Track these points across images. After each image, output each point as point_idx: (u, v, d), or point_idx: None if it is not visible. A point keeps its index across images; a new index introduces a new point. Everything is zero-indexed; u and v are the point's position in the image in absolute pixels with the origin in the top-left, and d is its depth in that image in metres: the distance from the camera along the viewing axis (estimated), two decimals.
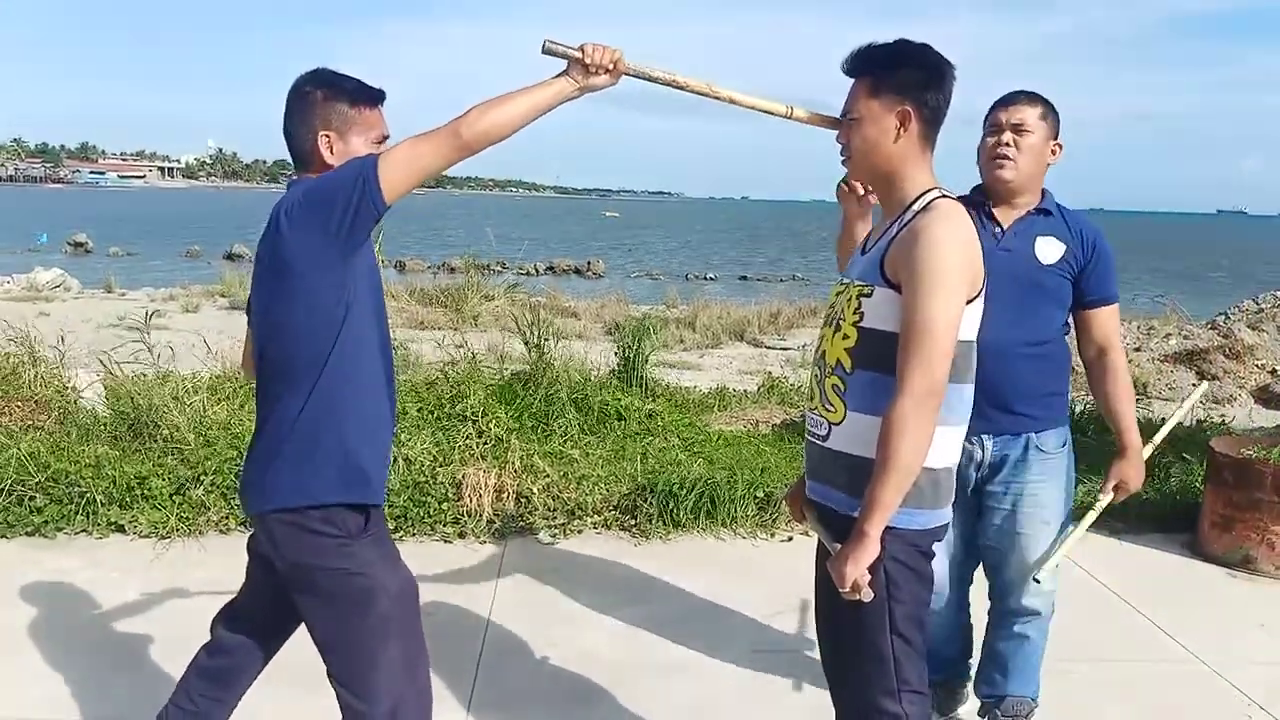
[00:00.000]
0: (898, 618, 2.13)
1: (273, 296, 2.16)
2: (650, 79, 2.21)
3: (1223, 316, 14.27)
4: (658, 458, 5.45)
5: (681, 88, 2.21)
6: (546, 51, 2.13)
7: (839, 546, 2.10)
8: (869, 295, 2.10)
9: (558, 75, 2.14)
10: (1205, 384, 3.19)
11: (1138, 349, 11.30)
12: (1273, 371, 12.79)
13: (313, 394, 2.15)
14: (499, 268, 24.36)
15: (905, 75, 2.11)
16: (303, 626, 2.32)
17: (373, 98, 2.29)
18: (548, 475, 4.98)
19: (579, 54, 2.12)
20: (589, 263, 32.94)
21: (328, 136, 2.22)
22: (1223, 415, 9.07)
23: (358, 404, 2.21)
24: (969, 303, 2.07)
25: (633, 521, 4.86)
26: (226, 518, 4.65)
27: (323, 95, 2.23)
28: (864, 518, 2.02)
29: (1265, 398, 11.84)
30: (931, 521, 2.16)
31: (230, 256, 29.21)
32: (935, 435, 2.02)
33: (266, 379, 2.21)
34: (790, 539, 4.85)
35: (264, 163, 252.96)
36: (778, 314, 15.33)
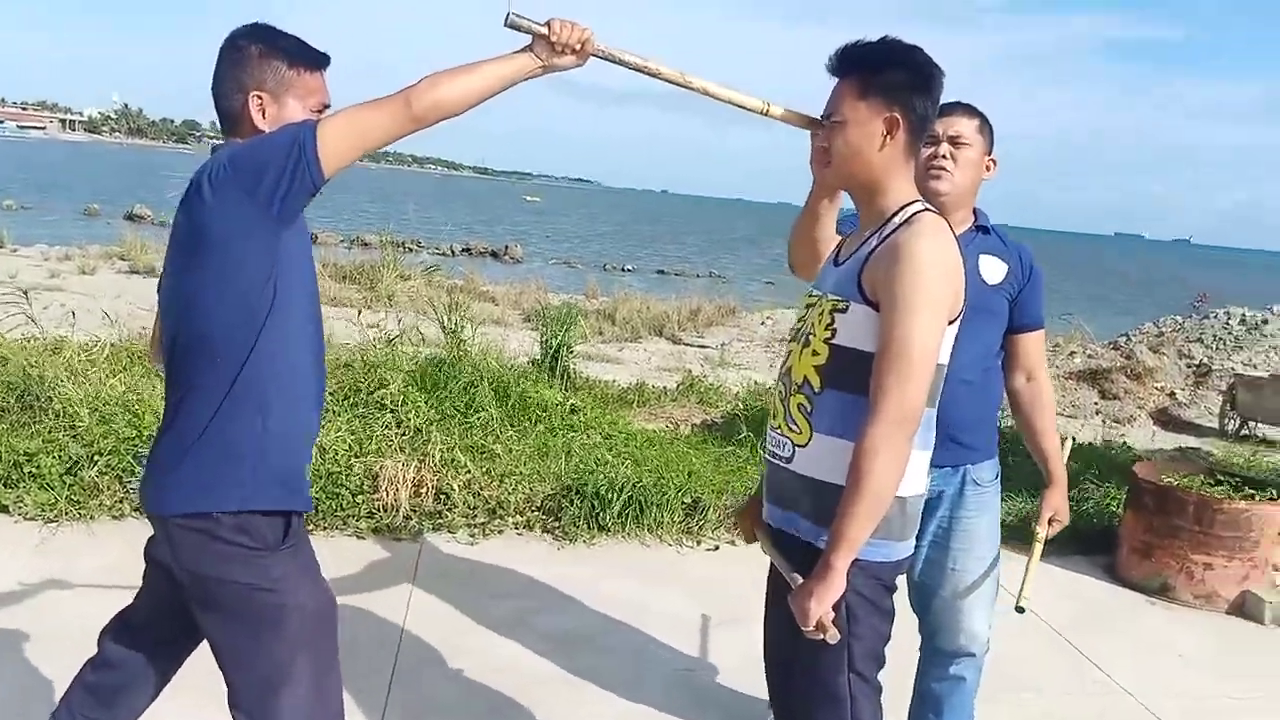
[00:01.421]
0: (856, 655, 2.01)
1: (190, 272, 1.93)
2: (620, 63, 2.05)
3: (1124, 338, 14.71)
4: (582, 456, 5.28)
5: (653, 74, 2.06)
6: (510, 25, 1.95)
7: (799, 578, 1.97)
8: (844, 310, 1.98)
9: (520, 50, 1.97)
10: (1070, 441, 3.12)
11: None
12: (1171, 394, 13.23)
13: (234, 385, 1.93)
14: (414, 246, 23.86)
15: (894, 78, 1.98)
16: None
17: (315, 60, 2.07)
18: (469, 470, 4.77)
19: (545, 30, 1.95)
20: (507, 247, 32.48)
21: (260, 98, 2.00)
22: (1123, 435, 9.30)
23: (284, 397, 1.99)
24: (949, 324, 1.96)
25: (557, 523, 4.68)
26: (121, 501, 4.33)
27: (258, 52, 2.01)
28: (831, 550, 1.89)
29: (1164, 420, 12.22)
30: (897, 554, 2.06)
31: (131, 217, 28.01)
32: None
33: (179, 365, 1.98)
34: (716, 547, 4.74)
35: (171, 122, 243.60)
36: (697, 311, 15.29)
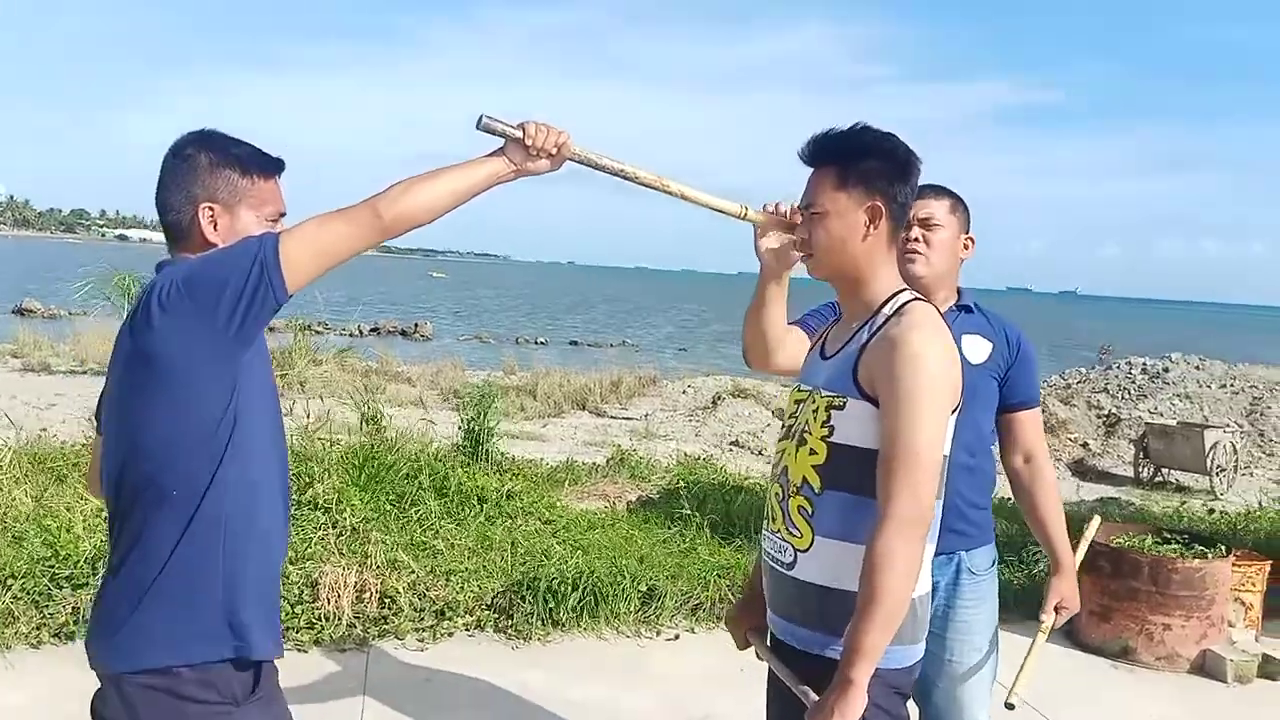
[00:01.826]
0: None
1: (139, 404, 1.75)
2: (597, 167, 1.97)
3: None
4: (528, 546, 5.10)
5: (630, 179, 2.00)
6: (483, 128, 1.86)
7: (810, 693, 1.86)
8: (840, 407, 1.90)
9: (492, 154, 1.88)
10: (1097, 519, 3.09)
11: None
12: (1085, 445, 13.58)
13: (191, 524, 1.74)
14: (322, 328, 23.35)
15: (874, 167, 1.93)
16: None
17: (269, 166, 1.93)
18: (413, 571, 4.55)
19: (519, 133, 1.86)
20: (416, 324, 32.10)
21: (211, 209, 1.85)
22: None
23: (250, 531, 1.81)
24: (950, 414, 1.90)
25: (509, 621, 4.47)
26: (39, 628, 3.97)
27: (208, 160, 1.86)
28: (849, 664, 1.77)
29: (1081, 470, 12.52)
30: (910, 658, 1.96)
31: (21, 312, 26.86)
32: None
33: (128, 504, 1.78)
34: (676, 636, 4.57)
35: (59, 211, 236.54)
36: (619, 382, 15.22)
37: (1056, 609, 2.68)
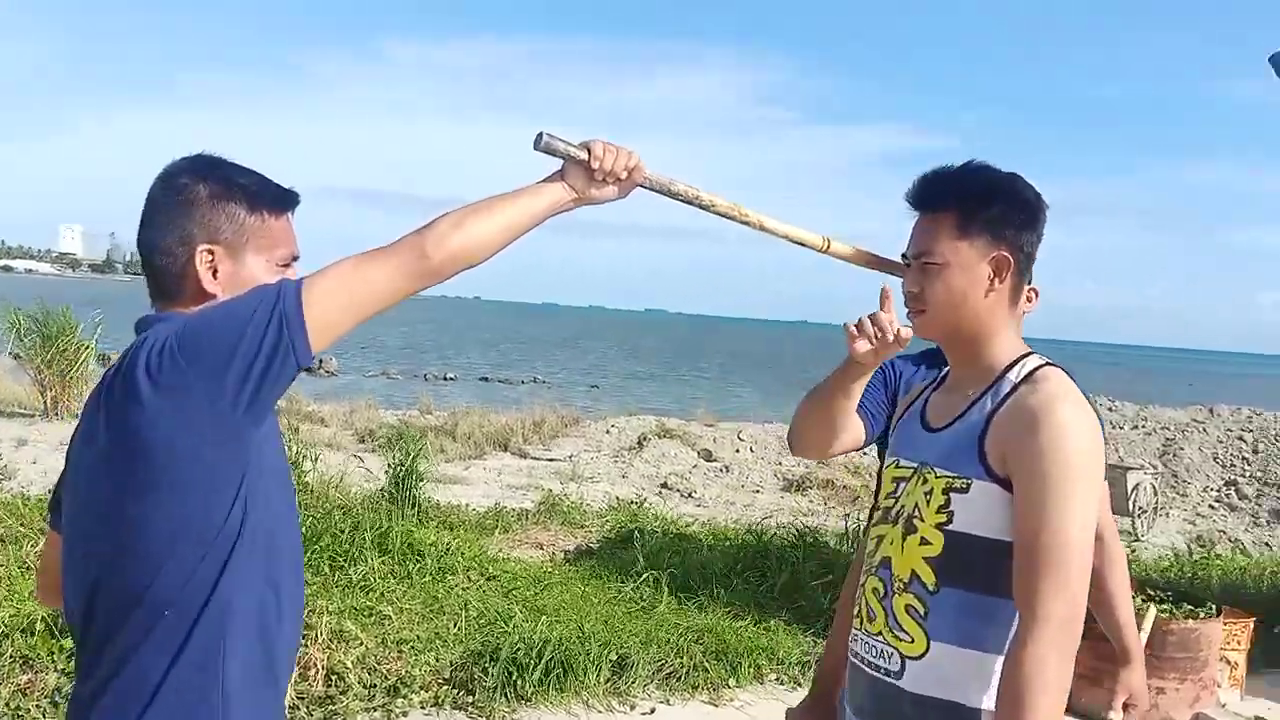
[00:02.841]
0: None
1: (121, 503, 1.37)
2: (670, 194, 1.69)
3: None
4: (481, 609, 4.71)
5: (707, 208, 1.72)
6: (543, 149, 1.55)
7: None
8: (963, 490, 1.62)
9: (549, 178, 1.56)
10: (1153, 609, 2.86)
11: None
12: None
13: (186, 648, 1.37)
14: None
15: (1001, 213, 1.68)
16: None
17: (281, 201, 1.56)
18: (361, 642, 4.11)
19: (584, 155, 1.55)
20: (321, 360, 31.04)
21: (211, 253, 1.48)
22: None
23: (263, 638, 1.45)
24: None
25: (469, 697, 4.05)
26: None
27: (209, 193, 1.49)
28: None
29: None
30: None
31: None
32: None
33: (108, 625, 1.39)
34: (652, 710, 4.21)
35: None
36: (541, 422, 14.84)
37: (1125, 706, 2.42)
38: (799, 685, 4.48)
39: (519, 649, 4.15)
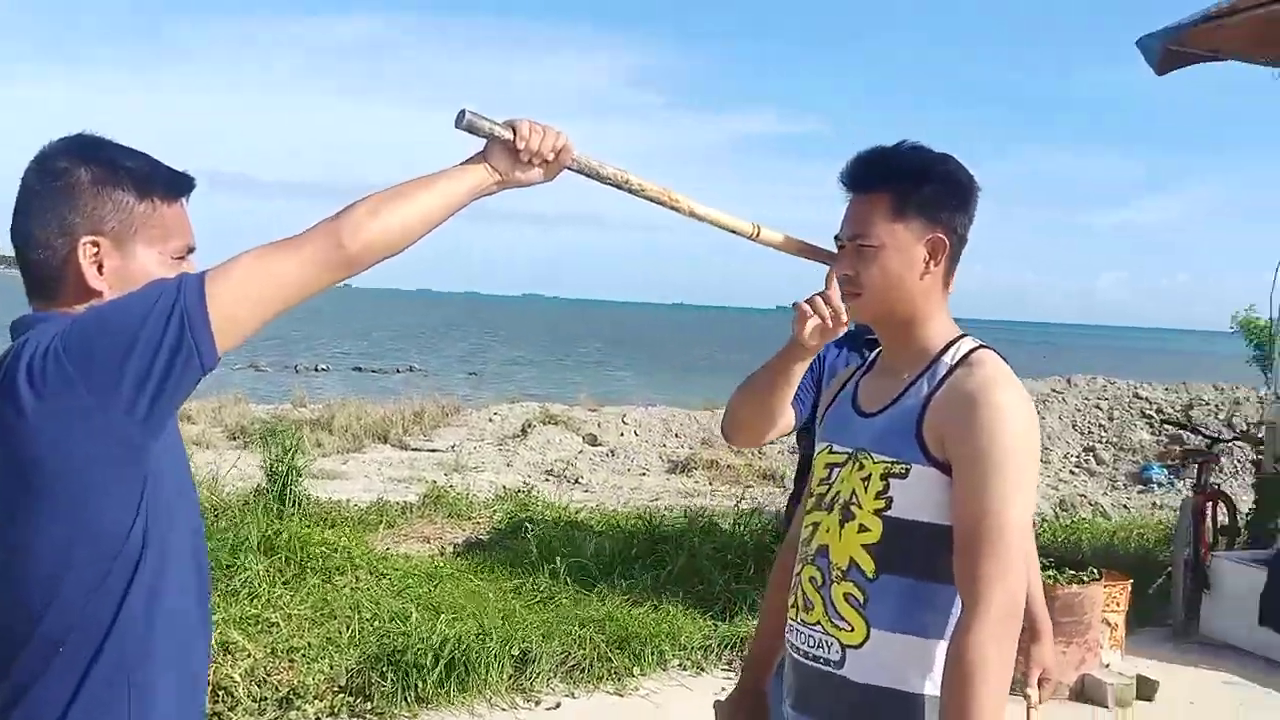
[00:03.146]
0: None
1: (6, 527, 1.24)
2: (598, 178, 1.61)
3: None
4: (374, 610, 4.54)
5: (635, 192, 1.65)
6: (465, 126, 1.45)
7: None
8: (901, 475, 1.60)
9: (471, 159, 1.47)
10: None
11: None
12: None
13: (87, 681, 1.24)
14: None
15: (935, 195, 1.66)
16: None
17: (175, 186, 1.43)
18: (249, 653, 3.90)
19: (508, 134, 1.46)
20: None
21: (96, 245, 1.34)
22: None
23: (170, 668, 1.32)
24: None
25: (367, 703, 3.90)
26: None
27: (92, 178, 1.35)
28: None
29: None
30: None
31: None
32: None
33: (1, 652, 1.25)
34: (557, 705, 4.14)
35: None
36: (421, 412, 14.51)
37: (1040, 681, 2.46)
38: (702, 670, 4.48)
39: (417, 650, 4.01)
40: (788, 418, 2.03)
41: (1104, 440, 14.20)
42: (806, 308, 1.79)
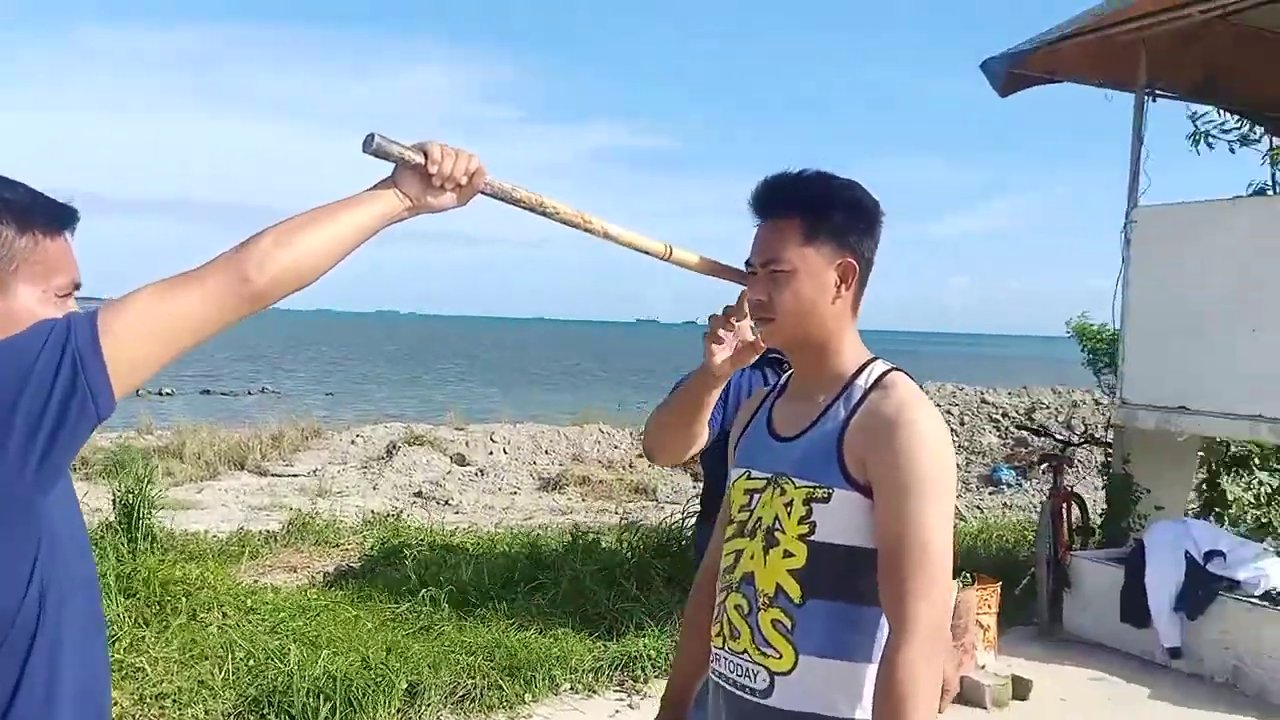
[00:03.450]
0: None
1: None
2: (512, 201, 1.58)
3: None
4: (249, 648, 4.33)
5: (550, 215, 1.62)
6: (373, 152, 1.40)
7: None
8: (824, 500, 1.61)
9: (379, 184, 1.41)
10: None
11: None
12: None
13: None
14: None
15: (844, 220, 1.68)
16: None
17: (57, 218, 1.33)
18: (115, 702, 3.66)
19: (419, 159, 1.42)
20: None
21: None
22: None
23: None
24: None
25: None
26: None
27: None
28: None
29: None
30: None
31: None
32: None
33: None
34: None
35: None
36: (280, 436, 14.00)
37: (942, 693, 2.55)
38: (594, 692, 4.44)
39: (300, 689, 3.84)
40: (704, 436, 2.05)
41: (956, 445, 14.86)
42: (715, 343, 1.80)
